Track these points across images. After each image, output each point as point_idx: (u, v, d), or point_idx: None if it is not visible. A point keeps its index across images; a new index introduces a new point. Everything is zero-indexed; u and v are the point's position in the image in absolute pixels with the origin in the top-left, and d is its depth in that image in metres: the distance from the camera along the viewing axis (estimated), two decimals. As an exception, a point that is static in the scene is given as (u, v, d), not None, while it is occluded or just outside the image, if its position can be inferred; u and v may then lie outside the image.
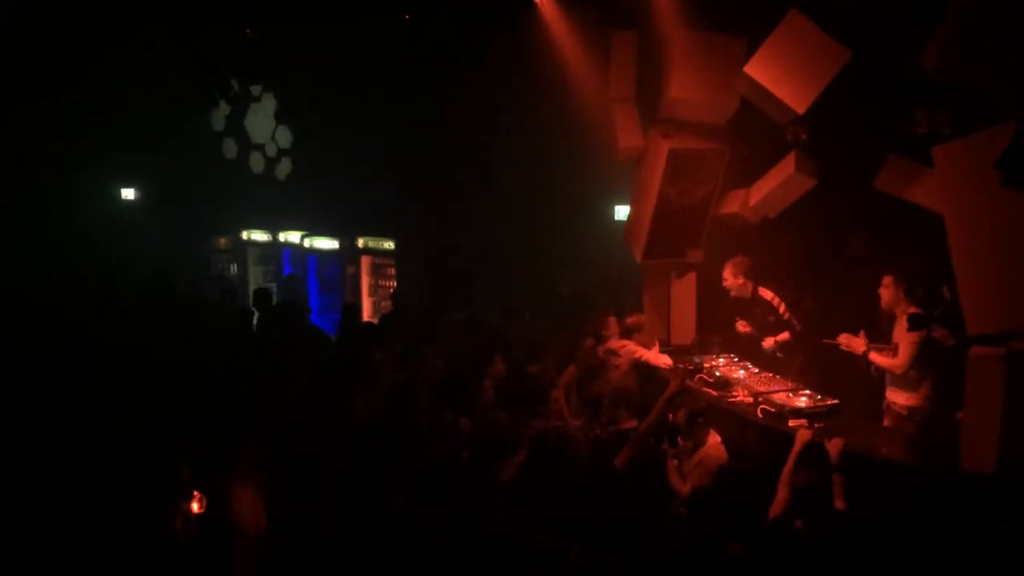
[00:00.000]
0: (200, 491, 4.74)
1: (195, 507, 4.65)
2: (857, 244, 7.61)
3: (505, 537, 4.48)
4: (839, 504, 4.93)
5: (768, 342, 7.38)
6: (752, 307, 7.49)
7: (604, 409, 6.13)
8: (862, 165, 6.53)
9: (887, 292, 6.39)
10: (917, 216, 6.01)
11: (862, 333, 6.44)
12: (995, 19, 4.70)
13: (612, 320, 7.51)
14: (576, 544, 4.42)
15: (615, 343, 7.32)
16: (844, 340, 6.48)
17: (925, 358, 6.14)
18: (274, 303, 9.92)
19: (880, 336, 6.40)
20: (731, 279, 7.51)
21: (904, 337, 6.18)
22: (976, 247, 5.05)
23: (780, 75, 6.35)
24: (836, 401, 6.19)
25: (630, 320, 7.43)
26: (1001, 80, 4.80)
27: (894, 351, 6.27)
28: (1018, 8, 4.65)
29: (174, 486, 4.73)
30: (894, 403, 6.33)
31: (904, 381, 6.27)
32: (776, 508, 4.91)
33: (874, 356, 6.32)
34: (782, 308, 7.30)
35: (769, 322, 7.39)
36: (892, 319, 6.44)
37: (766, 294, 7.39)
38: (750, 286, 7.46)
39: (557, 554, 4.38)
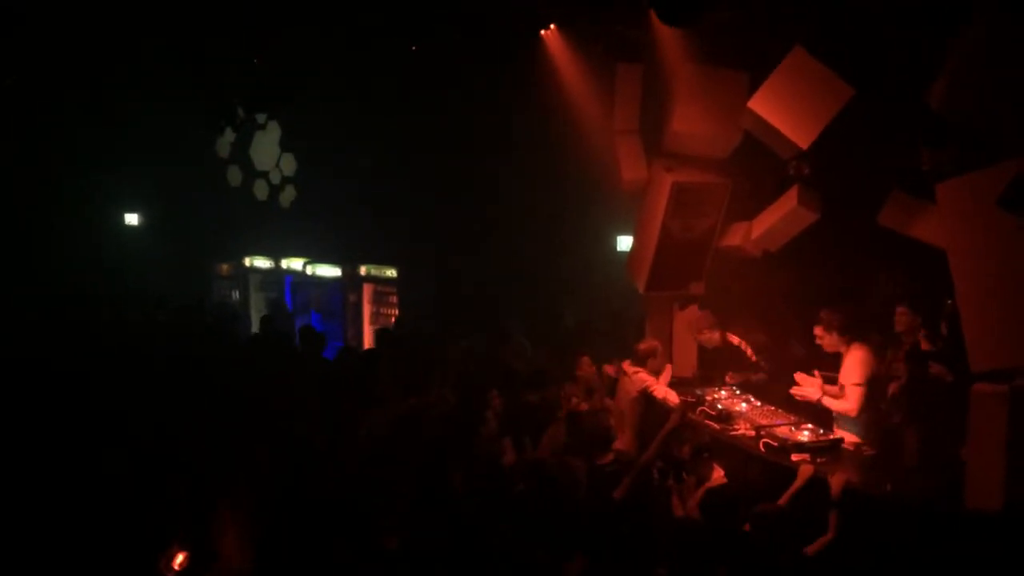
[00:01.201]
0: (189, 524, 4.70)
1: (179, 559, 4.59)
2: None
3: (507, 555, 4.47)
4: (831, 535, 4.95)
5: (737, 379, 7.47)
6: (727, 354, 7.61)
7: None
8: (865, 200, 6.56)
9: (825, 340, 6.51)
10: (919, 252, 6.03)
11: (816, 373, 6.52)
12: (999, 60, 4.75)
13: (586, 360, 7.52)
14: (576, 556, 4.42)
15: (628, 368, 7.31)
16: (799, 384, 6.57)
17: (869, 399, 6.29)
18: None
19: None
20: (706, 333, 7.64)
21: (850, 378, 6.28)
22: (980, 284, 5.06)
23: (784, 110, 6.38)
24: (839, 436, 6.18)
25: (643, 347, 7.35)
26: (1005, 119, 4.84)
27: (840, 388, 6.40)
28: (1021, 49, 4.70)
29: (169, 512, 4.71)
30: None
31: (848, 420, 6.37)
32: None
33: (827, 402, 6.43)
34: (749, 351, 7.39)
35: (747, 365, 7.53)
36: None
37: (733, 339, 7.51)
38: (717, 335, 7.58)
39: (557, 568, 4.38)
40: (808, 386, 6.53)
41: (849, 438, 6.27)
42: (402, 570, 4.61)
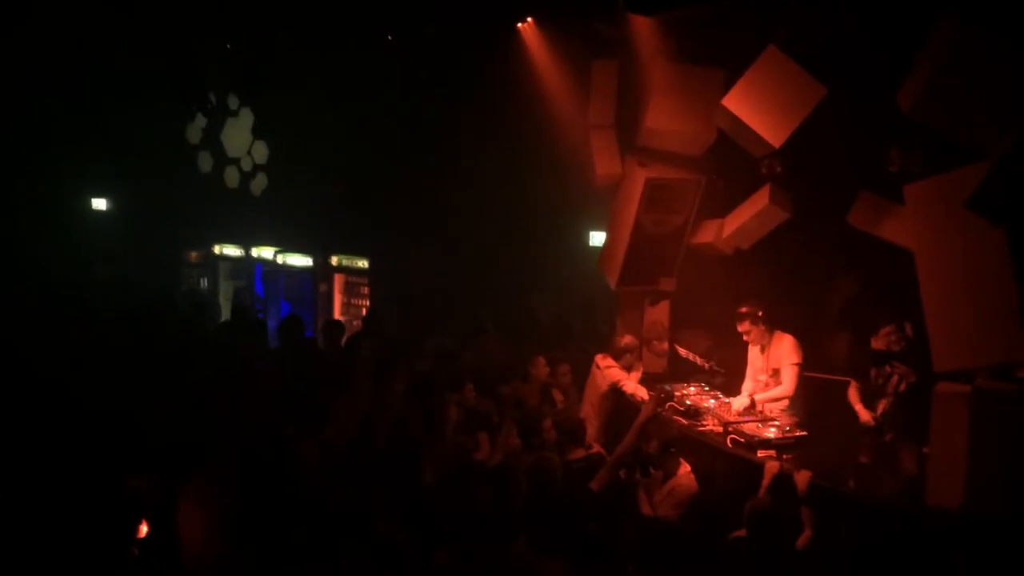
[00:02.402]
0: (154, 510, 4.64)
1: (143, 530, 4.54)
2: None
3: (485, 554, 4.46)
4: (808, 534, 4.98)
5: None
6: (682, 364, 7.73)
7: (554, 438, 6.06)
8: (836, 200, 6.62)
9: (752, 333, 6.88)
10: (886, 252, 6.09)
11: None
12: (968, 64, 4.80)
13: (540, 360, 7.55)
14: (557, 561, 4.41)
15: (601, 361, 7.34)
16: (736, 408, 6.77)
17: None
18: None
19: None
20: (654, 343, 7.78)
21: (789, 359, 6.66)
22: (945, 285, 5.12)
23: (757, 109, 6.41)
24: (805, 432, 6.24)
25: (624, 341, 7.48)
26: (973, 123, 4.90)
27: (773, 372, 6.75)
28: (990, 54, 4.76)
29: (131, 503, 4.64)
30: None
31: (786, 407, 6.67)
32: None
33: (761, 399, 6.72)
34: (699, 360, 7.50)
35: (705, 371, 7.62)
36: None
37: (681, 351, 7.64)
38: (666, 345, 7.76)
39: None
40: (733, 400, 6.83)
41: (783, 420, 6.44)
42: (370, 567, 4.58)
